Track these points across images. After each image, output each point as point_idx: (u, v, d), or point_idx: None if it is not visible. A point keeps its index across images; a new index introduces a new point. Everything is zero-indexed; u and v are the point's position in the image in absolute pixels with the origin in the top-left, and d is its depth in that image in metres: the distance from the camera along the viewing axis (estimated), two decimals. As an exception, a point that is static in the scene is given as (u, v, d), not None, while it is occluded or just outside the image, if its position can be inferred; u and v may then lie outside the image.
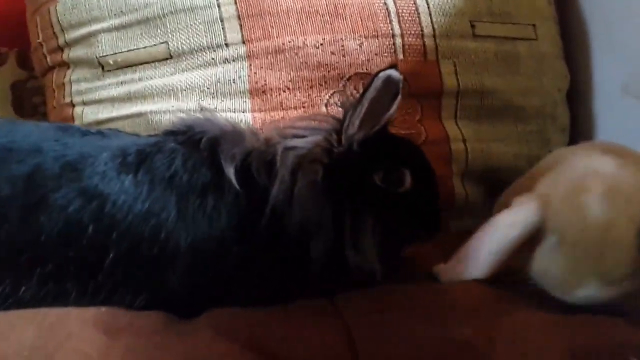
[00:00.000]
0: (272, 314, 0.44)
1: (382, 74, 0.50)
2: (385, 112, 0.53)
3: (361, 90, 0.77)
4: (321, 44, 0.79)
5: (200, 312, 0.45)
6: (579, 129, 0.93)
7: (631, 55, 0.82)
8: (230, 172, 0.49)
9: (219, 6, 0.80)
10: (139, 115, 0.79)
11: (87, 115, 0.83)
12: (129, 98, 0.81)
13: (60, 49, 0.86)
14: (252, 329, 0.40)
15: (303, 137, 0.54)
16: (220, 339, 0.38)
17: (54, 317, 0.40)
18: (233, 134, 0.53)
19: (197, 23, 0.80)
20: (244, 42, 0.79)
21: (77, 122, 0.83)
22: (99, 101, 0.83)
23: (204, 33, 0.80)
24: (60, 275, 0.46)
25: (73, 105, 0.85)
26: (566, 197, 0.49)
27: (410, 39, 0.80)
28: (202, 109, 0.59)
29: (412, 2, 0.82)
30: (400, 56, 0.80)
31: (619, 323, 0.41)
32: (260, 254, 0.49)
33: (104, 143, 0.52)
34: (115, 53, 0.82)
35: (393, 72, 0.50)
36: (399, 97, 0.53)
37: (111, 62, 0.82)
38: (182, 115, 0.57)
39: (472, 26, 0.83)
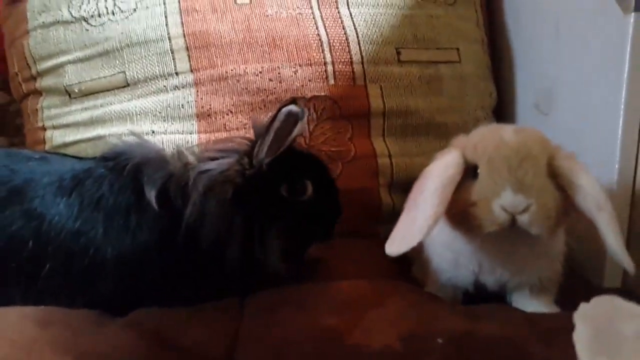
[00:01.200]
0: (182, 312, 0.53)
1: (284, 110, 0.58)
2: (288, 136, 0.61)
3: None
4: (260, 72, 0.89)
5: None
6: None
7: (540, 75, 0.92)
8: (150, 195, 0.56)
9: (169, 39, 0.89)
10: (100, 138, 0.89)
11: (56, 138, 0.93)
12: (91, 122, 0.91)
13: (33, 78, 0.96)
14: (158, 323, 0.50)
15: (218, 159, 0.61)
16: (130, 330, 0.48)
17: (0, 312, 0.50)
18: (156, 160, 0.61)
19: (151, 54, 0.90)
20: (191, 71, 0.89)
21: (47, 145, 0.93)
22: (67, 125, 0.93)
23: (156, 63, 0.89)
24: (5, 283, 0.55)
25: (45, 129, 0.95)
26: (483, 137, 0.58)
27: (340, 66, 0.90)
28: (133, 135, 0.67)
29: (342, 32, 0.92)
30: (332, 82, 0.90)
31: (444, 315, 0.50)
32: (179, 265, 0.57)
33: (46, 168, 0.60)
34: (80, 82, 0.92)
35: (293, 108, 0.59)
36: (299, 123, 0.60)
37: (76, 90, 0.92)
38: (115, 141, 0.65)
39: (398, 53, 0.93)
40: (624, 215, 0.71)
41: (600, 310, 0.32)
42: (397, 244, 0.57)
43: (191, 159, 0.62)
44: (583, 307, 0.33)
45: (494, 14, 1.07)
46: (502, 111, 1.03)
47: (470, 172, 0.57)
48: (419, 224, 0.54)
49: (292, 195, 0.62)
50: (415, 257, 0.72)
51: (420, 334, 0.46)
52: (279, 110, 0.59)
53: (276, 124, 0.59)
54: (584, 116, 0.78)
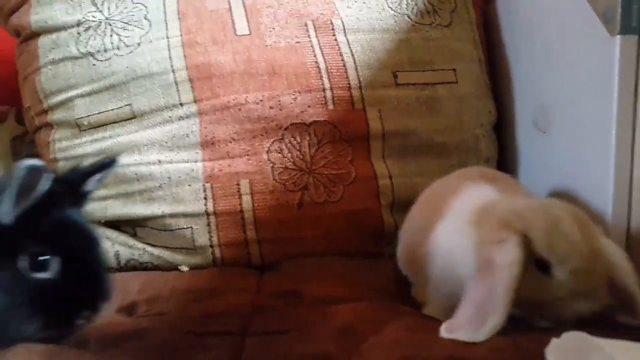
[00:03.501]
0: (184, 339, 0.56)
1: (22, 165, 0.50)
2: (31, 192, 0.51)
3: (297, 140, 0.90)
4: (261, 100, 0.91)
5: None
6: (505, 158, 1.04)
7: (536, 93, 0.93)
8: None
9: (173, 72, 0.93)
10: (109, 169, 0.92)
11: (67, 169, 0.96)
12: (101, 154, 0.94)
13: (45, 112, 1.00)
14: (160, 351, 0.52)
15: None
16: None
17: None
18: None
19: (156, 87, 0.93)
20: (195, 102, 0.92)
21: (59, 176, 0.97)
22: (77, 157, 0.96)
23: (161, 95, 0.93)
24: None
25: (57, 161, 0.98)
26: (547, 227, 0.55)
27: (338, 92, 0.93)
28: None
29: (340, 58, 0.94)
30: (331, 106, 0.92)
31: (438, 340, 0.51)
32: None
33: None
34: (89, 115, 0.96)
35: (32, 162, 0.50)
36: (46, 175, 0.52)
37: (86, 123, 0.96)
38: None
39: (395, 76, 0.95)
40: (620, 231, 0.72)
41: (570, 345, 0.33)
42: (456, 331, 0.53)
43: None
44: (555, 342, 0.35)
45: (491, 32, 1.08)
46: (502, 128, 1.05)
47: (533, 260, 0.56)
48: (488, 325, 0.52)
49: (31, 269, 0.52)
50: (416, 279, 0.74)
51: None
52: (18, 164, 0.50)
53: (15, 181, 0.50)
54: (578, 135, 0.79)
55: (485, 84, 1.04)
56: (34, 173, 0.50)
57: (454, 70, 0.99)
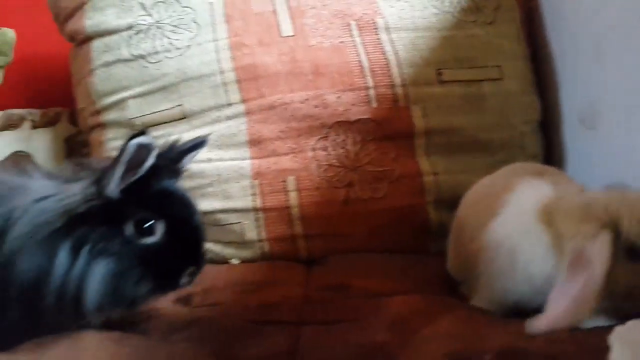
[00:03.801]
0: (242, 329, 0.58)
1: (132, 142, 0.53)
2: (141, 167, 0.54)
3: (342, 138, 0.92)
4: (306, 99, 0.93)
5: None
6: (552, 155, 1.03)
7: (583, 90, 0.92)
8: None
9: (221, 73, 0.96)
10: (161, 167, 0.96)
11: (121, 168, 1.00)
12: (153, 153, 0.98)
13: (98, 113, 1.04)
14: (222, 340, 0.54)
15: (71, 182, 0.56)
16: (197, 346, 0.53)
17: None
18: (12, 191, 0.55)
19: (205, 88, 0.96)
20: (242, 102, 0.95)
21: (113, 175, 1.01)
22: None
23: (210, 96, 0.96)
24: None
25: (110, 160, 1.03)
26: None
27: (382, 90, 0.94)
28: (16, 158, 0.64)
29: (383, 57, 0.95)
30: (374, 105, 0.93)
31: (492, 332, 0.52)
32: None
33: None
34: (142, 115, 0.99)
35: (142, 139, 0.53)
36: (153, 151, 0.55)
37: (138, 123, 1.00)
38: None
39: (439, 73, 0.96)
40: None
41: (635, 331, 0.33)
42: (550, 325, 0.53)
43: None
44: (619, 329, 0.35)
45: (535, 29, 1.08)
46: (549, 124, 1.04)
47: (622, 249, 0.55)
48: (583, 318, 0.53)
49: (137, 235, 0.55)
50: (465, 278, 0.74)
51: (468, 352, 0.48)
52: (128, 141, 0.53)
53: (125, 156, 0.53)
54: (630, 130, 0.78)
55: (531, 80, 1.03)
56: (143, 149, 0.53)
57: (499, 67, 0.99)
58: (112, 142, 1.02)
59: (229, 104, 0.95)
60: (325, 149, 0.92)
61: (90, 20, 1.05)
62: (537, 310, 0.60)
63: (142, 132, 0.54)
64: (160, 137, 0.97)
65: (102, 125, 1.04)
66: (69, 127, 1.27)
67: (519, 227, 0.64)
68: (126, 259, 0.54)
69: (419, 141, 0.94)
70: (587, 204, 0.59)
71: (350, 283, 0.74)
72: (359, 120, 0.93)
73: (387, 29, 0.98)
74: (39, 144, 1.24)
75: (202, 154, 0.94)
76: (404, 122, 0.93)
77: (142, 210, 0.55)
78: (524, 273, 0.62)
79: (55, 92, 1.33)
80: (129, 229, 0.55)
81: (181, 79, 0.97)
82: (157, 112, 0.98)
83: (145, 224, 0.55)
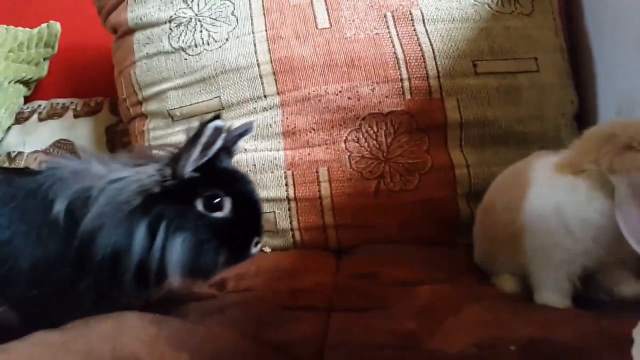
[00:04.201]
0: (274, 313, 0.60)
1: (211, 125, 0.58)
2: (212, 148, 0.60)
3: (374, 129, 0.93)
4: (340, 91, 0.95)
5: (48, 315, 0.58)
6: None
7: (622, 82, 0.91)
8: (60, 207, 0.58)
9: (258, 66, 0.98)
10: (198, 156, 0.99)
11: (160, 156, 1.04)
12: (191, 142, 1.01)
13: (139, 103, 1.08)
14: (255, 323, 0.57)
15: (137, 166, 0.60)
16: (231, 328, 0.55)
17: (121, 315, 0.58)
18: (75, 174, 0.60)
19: (242, 80, 0.98)
20: (278, 94, 0.97)
21: (153, 163, 1.05)
22: (170, 146, 1.03)
23: (247, 88, 0.98)
24: None
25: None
26: None
27: (416, 82, 0.94)
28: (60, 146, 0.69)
29: (418, 48, 0.96)
30: (408, 96, 0.94)
31: (519, 321, 0.53)
32: (75, 275, 0.58)
33: None
34: (181, 106, 1.03)
35: (218, 123, 0.59)
36: (222, 134, 0.60)
37: (178, 114, 1.03)
38: (45, 158, 0.68)
39: (474, 65, 0.95)
40: None
41: None
42: None
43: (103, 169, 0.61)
44: None
45: (573, 20, 1.06)
46: (584, 117, 1.02)
47: None
48: None
49: (207, 210, 0.60)
50: (502, 265, 0.74)
51: (495, 341, 0.49)
52: (205, 125, 0.58)
53: (203, 138, 0.58)
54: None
55: (567, 73, 1.02)
56: (217, 132, 0.59)
57: (536, 59, 0.98)
58: (154, 132, 1.06)
59: (265, 96, 0.97)
60: (357, 140, 0.93)
61: (133, 13, 1.09)
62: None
63: (217, 117, 0.59)
64: (198, 127, 1.01)
65: (144, 116, 1.08)
66: (109, 117, 1.32)
67: (552, 189, 0.66)
68: (202, 233, 0.59)
69: (452, 133, 0.94)
70: (602, 132, 0.64)
71: (379, 272, 0.75)
72: (392, 112, 0.94)
73: (423, 20, 0.98)
74: (81, 133, 1.29)
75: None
76: (437, 114, 0.93)
77: (211, 187, 0.60)
78: (579, 227, 0.63)
79: (97, 82, 1.38)
80: (200, 205, 0.60)
81: (219, 71, 0.99)
82: (195, 103, 1.01)
83: (214, 200, 0.60)
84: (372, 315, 0.58)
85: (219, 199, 0.60)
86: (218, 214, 0.60)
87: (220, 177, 0.62)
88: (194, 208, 0.60)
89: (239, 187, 0.63)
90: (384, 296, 0.62)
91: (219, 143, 0.60)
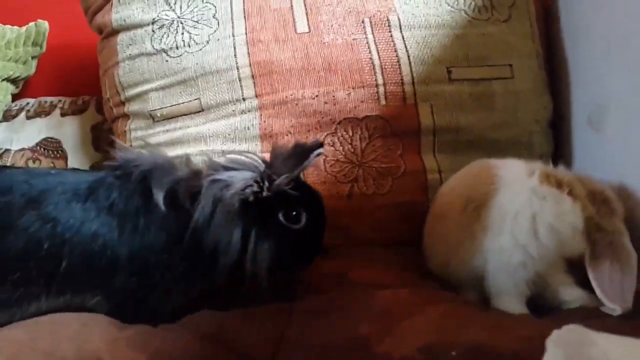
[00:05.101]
0: (235, 316, 0.62)
1: (316, 152, 0.67)
2: (299, 168, 0.68)
3: (350, 134, 0.95)
4: (317, 96, 0.96)
5: (142, 306, 0.63)
6: (561, 155, 1.03)
7: (593, 91, 0.92)
8: (158, 197, 0.63)
9: (238, 69, 0.99)
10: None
11: (141, 157, 1.06)
12: (172, 143, 1.03)
13: (122, 103, 1.10)
14: (216, 327, 0.59)
15: (231, 170, 0.66)
16: (190, 333, 0.57)
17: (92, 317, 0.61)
18: (164, 166, 0.67)
19: (222, 82, 1.00)
20: (256, 97, 0.98)
21: (134, 163, 1.06)
22: (150, 146, 1.05)
23: (226, 90, 1.00)
24: (27, 281, 0.61)
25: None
26: None
27: (391, 87, 0.96)
28: (146, 145, 0.74)
29: (394, 54, 0.97)
30: (383, 102, 0.96)
31: (470, 326, 0.55)
32: (182, 262, 0.64)
33: (61, 180, 0.66)
34: (162, 107, 1.04)
35: (321, 150, 0.67)
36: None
37: (159, 115, 1.05)
38: (123, 153, 0.71)
39: (449, 72, 0.97)
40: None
41: (570, 337, 0.35)
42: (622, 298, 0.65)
43: (201, 166, 0.69)
44: (556, 332, 0.37)
45: (551, 27, 1.07)
46: (559, 124, 1.04)
47: None
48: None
49: (288, 222, 0.67)
50: (456, 271, 0.76)
51: (439, 345, 0.51)
52: (311, 151, 0.67)
53: (307, 163, 0.67)
54: (634, 135, 0.79)
55: (543, 79, 1.03)
56: (317, 155, 0.67)
57: (511, 65, 0.99)
58: (135, 132, 1.08)
59: (244, 99, 0.99)
60: (333, 144, 0.95)
61: (117, 14, 1.10)
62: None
63: (320, 144, 0.68)
64: (179, 129, 1.03)
65: (126, 116, 1.10)
66: (95, 115, 1.33)
67: (530, 194, 0.70)
68: (283, 243, 0.66)
69: (426, 138, 0.96)
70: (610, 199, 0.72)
71: (348, 275, 0.77)
72: (367, 117, 0.95)
73: (400, 27, 0.99)
74: (68, 131, 1.31)
75: (216, 145, 1.00)
76: (411, 119, 0.95)
77: (293, 202, 0.68)
78: (548, 235, 0.68)
79: (85, 81, 1.40)
80: (282, 216, 0.67)
81: (200, 73, 1.01)
82: (176, 104, 1.03)
83: (294, 213, 0.67)
84: (332, 317, 0.60)
85: (298, 214, 0.67)
86: (295, 226, 0.67)
87: (298, 192, 0.68)
88: (277, 219, 0.66)
89: (313, 204, 0.71)
90: (347, 299, 0.64)
91: (308, 164, 0.67)
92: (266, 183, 0.66)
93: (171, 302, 0.64)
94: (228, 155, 0.70)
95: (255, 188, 0.65)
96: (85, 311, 0.63)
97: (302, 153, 0.67)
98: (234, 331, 0.57)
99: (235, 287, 0.67)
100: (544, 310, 0.69)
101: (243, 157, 0.69)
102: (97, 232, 0.63)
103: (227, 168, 0.67)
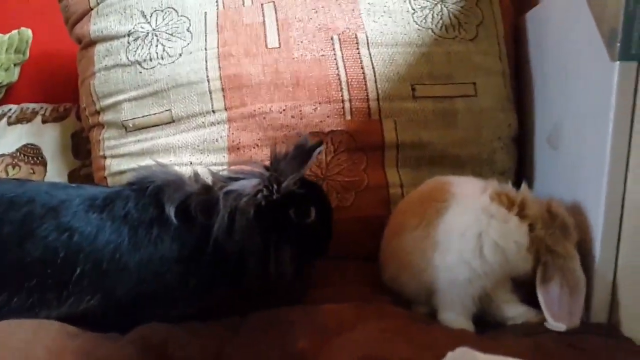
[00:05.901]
0: (184, 329, 0.64)
1: (317, 150, 0.72)
2: (304, 167, 0.73)
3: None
4: (284, 110, 0.98)
5: (140, 315, 0.65)
6: (524, 171, 1.06)
7: (552, 110, 0.94)
8: (170, 211, 0.66)
9: (208, 81, 1.02)
10: (148, 167, 1.03)
11: (114, 166, 1.08)
12: (142, 153, 1.05)
13: (97, 113, 1.12)
14: (161, 339, 0.60)
15: (239, 179, 0.70)
16: (136, 344, 0.59)
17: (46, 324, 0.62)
18: (175, 182, 0.70)
19: (192, 95, 1.02)
20: (225, 109, 1.01)
21: (106, 172, 1.09)
22: (122, 155, 1.07)
23: (197, 102, 1.02)
24: (43, 288, 0.63)
25: (105, 158, 1.10)
26: None
27: (357, 103, 0.98)
28: (157, 163, 0.78)
29: (361, 71, 1.00)
30: (349, 117, 0.98)
31: (402, 342, 0.56)
32: (195, 272, 0.67)
33: (79, 192, 0.70)
34: (134, 118, 1.06)
35: (321, 148, 0.73)
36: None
37: (131, 125, 1.07)
38: (139, 169, 0.77)
39: (413, 89, 0.99)
40: (611, 249, 0.73)
41: (460, 358, 0.38)
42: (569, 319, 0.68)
43: (209, 180, 0.73)
44: (449, 354, 0.39)
45: (520, 46, 1.10)
46: (523, 140, 1.06)
47: None
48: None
49: (299, 218, 0.71)
50: (409, 284, 0.78)
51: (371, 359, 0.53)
52: (313, 150, 0.72)
53: (310, 163, 0.72)
54: (582, 155, 0.81)
55: (508, 97, 1.05)
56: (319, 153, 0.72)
57: (474, 84, 1.02)
58: (108, 142, 1.10)
59: (213, 111, 1.01)
60: (298, 158, 0.97)
61: (95, 26, 1.12)
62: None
63: (320, 142, 0.73)
64: (150, 140, 1.05)
65: (100, 125, 1.12)
66: (75, 123, 1.34)
67: (478, 212, 0.73)
68: (299, 240, 0.71)
69: (389, 153, 0.98)
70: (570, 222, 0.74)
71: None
72: (332, 132, 0.98)
73: (368, 44, 1.02)
74: (48, 138, 1.33)
75: (185, 157, 1.02)
76: (375, 135, 0.97)
77: (302, 199, 0.71)
78: (493, 252, 0.71)
79: (68, 88, 1.41)
80: (293, 213, 0.71)
81: (172, 85, 1.03)
82: (147, 115, 1.05)
83: (304, 209, 0.71)
84: (273, 333, 0.62)
85: (307, 209, 0.72)
86: (307, 221, 0.71)
87: (304, 189, 0.72)
88: (289, 217, 0.71)
89: (318, 196, 0.75)
90: (292, 313, 0.66)
91: (310, 163, 0.72)
92: (274, 186, 0.70)
93: (177, 309, 0.67)
94: (231, 168, 0.75)
95: (266, 192, 0.69)
96: (79, 313, 0.65)
97: (304, 153, 0.71)
98: (178, 346, 0.59)
99: (257, 290, 0.71)
100: (489, 325, 0.71)
101: (244, 167, 0.73)
102: (109, 238, 0.66)
103: (233, 179, 0.71)
